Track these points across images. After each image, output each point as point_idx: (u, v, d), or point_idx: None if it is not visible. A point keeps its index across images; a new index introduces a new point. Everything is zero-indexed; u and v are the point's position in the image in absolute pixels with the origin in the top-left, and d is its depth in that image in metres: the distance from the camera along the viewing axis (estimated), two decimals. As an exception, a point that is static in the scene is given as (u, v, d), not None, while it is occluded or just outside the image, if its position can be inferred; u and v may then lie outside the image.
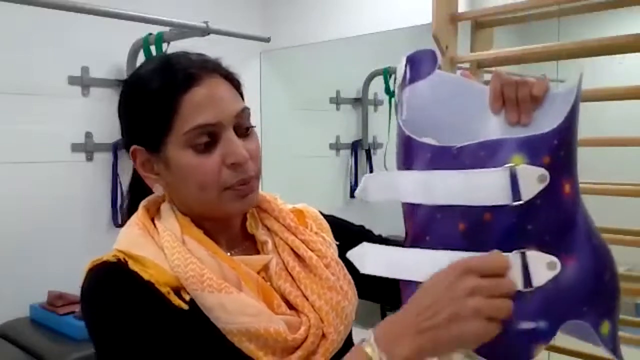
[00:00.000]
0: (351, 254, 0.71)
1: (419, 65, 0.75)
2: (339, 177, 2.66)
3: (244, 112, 0.79)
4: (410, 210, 0.70)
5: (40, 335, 1.82)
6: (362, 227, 1.00)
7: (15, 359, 1.71)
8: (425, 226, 0.68)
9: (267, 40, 2.32)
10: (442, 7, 1.65)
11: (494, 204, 0.62)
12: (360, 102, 2.64)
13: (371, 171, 2.64)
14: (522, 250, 0.62)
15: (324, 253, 0.85)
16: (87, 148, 2.13)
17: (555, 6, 1.55)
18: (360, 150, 2.65)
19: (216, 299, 0.73)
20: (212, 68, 0.79)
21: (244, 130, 0.79)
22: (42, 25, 1.98)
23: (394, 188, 0.69)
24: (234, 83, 0.82)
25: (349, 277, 0.86)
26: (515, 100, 0.70)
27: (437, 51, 0.77)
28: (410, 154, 0.69)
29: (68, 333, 1.77)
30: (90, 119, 2.13)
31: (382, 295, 0.84)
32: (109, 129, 2.13)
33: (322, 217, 0.93)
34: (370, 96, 2.62)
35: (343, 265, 0.86)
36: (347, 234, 0.93)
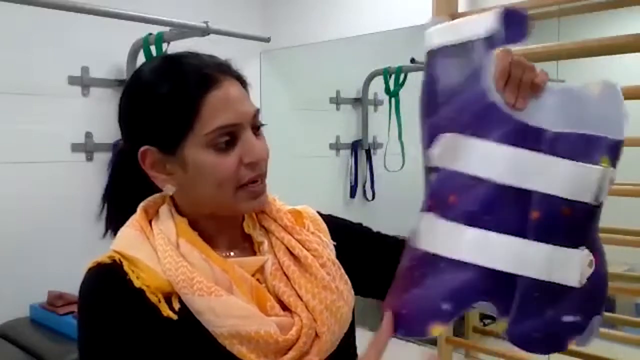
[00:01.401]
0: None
1: (514, 28, 0.66)
2: (339, 177, 2.66)
3: (258, 113, 0.81)
4: (468, 182, 0.65)
5: (40, 335, 1.82)
6: (360, 224, 1.00)
7: (15, 359, 1.71)
8: (485, 205, 0.64)
9: (267, 40, 2.32)
10: (442, 7, 1.65)
11: (582, 200, 0.62)
12: (360, 102, 2.64)
13: (371, 171, 2.64)
14: (582, 248, 0.64)
15: (319, 253, 0.85)
16: (87, 148, 2.13)
17: (555, 6, 1.55)
18: (360, 150, 2.65)
19: (206, 303, 0.73)
20: (227, 70, 0.79)
21: (256, 130, 0.81)
22: (42, 25, 1.98)
23: (477, 158, 0.64)
24: (245, 85, 0.82)
25: (346, 277, 0.86)
26: (519, 82, 0.68)
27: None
28: (487, 122, 0.64)
29: (68, 333, 1.77)
30: (90, 119, 2.13)
31: (381, 290, 0.84)
32: (109, 129, 2.13)
33: (320, 218, 0.93)
34: (370, 96, 2.62)
35: (340, 265, 0.86)
36: (346, 232, 0.94)
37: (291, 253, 0.84)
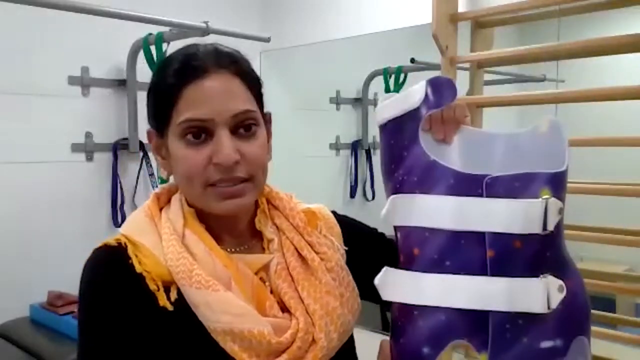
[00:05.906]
0: (376, 281, 0.72)
1: (439, 93, 0.73)
2: (339, 177, 2.66)
3: (246, 113, 0.78)
4: (424, 235, 0.70)
5: (40, 335, 1.82)
6: (375, 230, 0.98)
7: (15, 359, 1.71)
8: (444, 251, 0.69)
9: (267, 40, 2.32)
10: (442, 7, 1.65)
11: (530, 232, 0.66)
12: (360, 102, 2.64)
13: (371, 171, 2.64)
14: (544, 275, 0.67)
15: (329, 256, 0.83)
16: (87, 148, 2.13)
17: (555, 6, 1.55)
18: (360, 150, 2.66)
19: (202, 296, 0.73)
20: (225, 64, 0.78)
21: (244, 131, 0.78)
22: (42, 25, 1.98)
23: (424, 212, 0.70)
24: (249, 82, 0.80)
25: (354, 284, 0.84)
26: (441, 119, 0.75)
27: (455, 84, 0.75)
28: (430, 178, 0.70)
29: (68, 333, 1.77)
30: (90, 119, 2.12)
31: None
32: (109, 129, 2.12)
33: (335, 221, 0.91)
34: (370, 96, 2.62)
35: (349, 271, 0.85)
36: (360, 237, 0.93)
37: (299, 254, 0.83)
